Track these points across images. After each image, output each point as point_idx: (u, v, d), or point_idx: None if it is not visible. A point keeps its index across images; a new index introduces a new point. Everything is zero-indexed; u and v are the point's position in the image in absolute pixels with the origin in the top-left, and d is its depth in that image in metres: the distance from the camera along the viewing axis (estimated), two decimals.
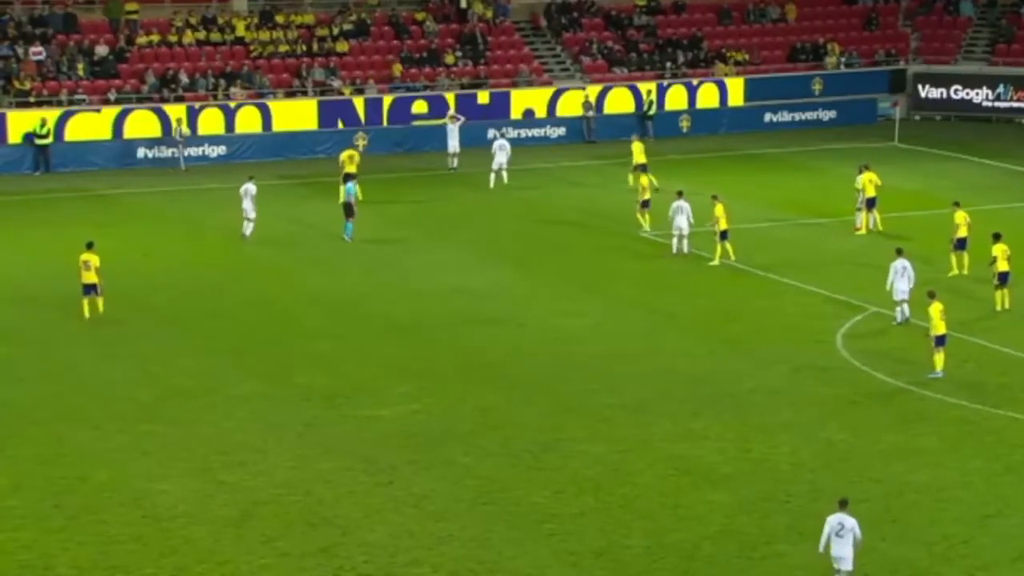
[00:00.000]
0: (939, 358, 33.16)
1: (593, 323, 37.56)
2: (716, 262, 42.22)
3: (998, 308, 37.94)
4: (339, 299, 39.73)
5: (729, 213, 42.52)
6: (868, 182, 45.43)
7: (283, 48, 62.07)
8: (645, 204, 46.02)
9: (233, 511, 26.52)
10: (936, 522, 26.01)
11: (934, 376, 33.07)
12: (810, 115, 65.55)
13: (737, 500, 27.01)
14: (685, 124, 63.51)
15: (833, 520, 23.34)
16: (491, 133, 60.60)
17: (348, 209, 45.45)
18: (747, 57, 66.50)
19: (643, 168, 49.10)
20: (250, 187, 45.12)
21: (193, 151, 58.04)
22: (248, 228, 44.96)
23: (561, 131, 62.45)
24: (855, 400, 32.08)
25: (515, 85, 63.20)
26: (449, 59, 63.50)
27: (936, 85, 66.55)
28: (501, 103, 62.17)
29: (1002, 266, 37.79)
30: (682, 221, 42.94)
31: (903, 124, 61.89)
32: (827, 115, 65.63)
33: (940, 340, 33.13)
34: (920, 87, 66.62)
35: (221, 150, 58.25)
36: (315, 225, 47.73)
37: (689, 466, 28.54)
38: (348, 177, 48.22)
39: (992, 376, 33.48)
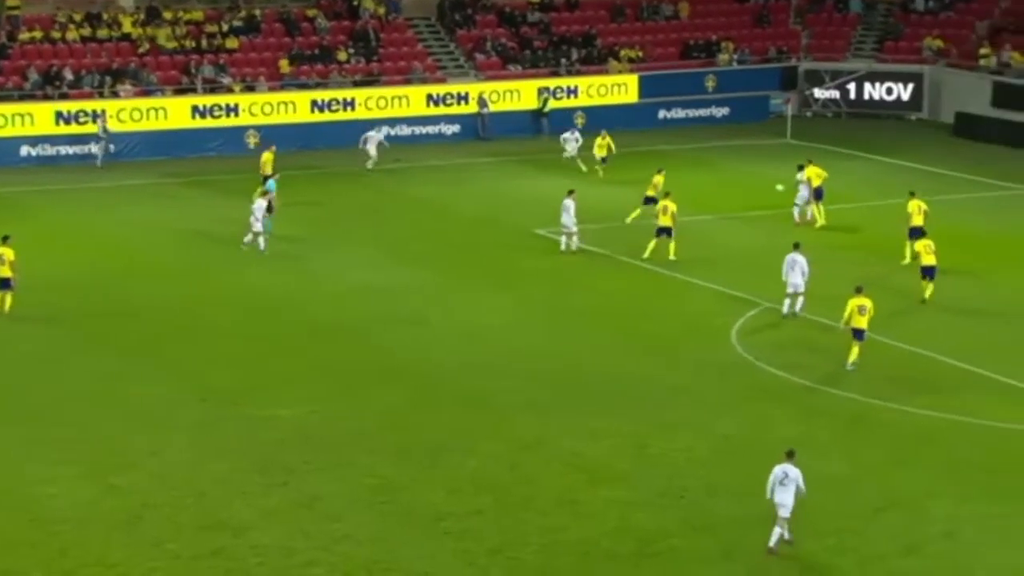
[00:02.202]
0: (854, 350, 33.57)
1: (497, 321, 37.48)
2: (673, 257, 42.34)
3: (926, 298, 38.41)
4: (244, 299, 39.28)
5: (672, 213, 42.44)
6: (815, 176, 45.94)
7: (171, 45, 61.27)
8: (649, 200, 46.19)
9: (123, 514, 26.12)
10: (829, 515, 26.20)
11: (849, 368, 33.45)
12: (703, 112, 65.95)
13: (633, 496, 27.07)
14: (580, 121, 63.57)
15: (778, 470, 24.75)
16: (385, 131, 60.37)
17: (267, 206, 45.15)
18: (640, 54, 66.77)
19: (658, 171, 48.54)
20: (261, 202, 43.86)
21: (78, 149, 57.10)
22: (249, 236, 43.82)
23: (455, 128, 62.29)
24: (750, 395, 32.28)
25: (409, 82, 62.91)
26: (341, 56, 63.09)
27: (827, 82, 67.15)
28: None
29: (926, 260, 38.33)
30: (568, 219, 42.96)
31: (794, 121, 62.44)
32: (720, 112, 66.07)
33: (856, 333, 33.53)
34: (810, 84, 67.24)
35: (100, 148, 57.17)
36: (219, 225, 47.21)
37: (587, 463, 28.54)
38: (267, 177, 48.18)
39: (884, 370, 33.81)
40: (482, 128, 62.29)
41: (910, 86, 66.07)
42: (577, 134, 55.35)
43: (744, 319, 37.37)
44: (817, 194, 46.41)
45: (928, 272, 38.40)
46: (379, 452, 29.00)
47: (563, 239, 43.44)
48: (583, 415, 30.96)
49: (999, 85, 63.04)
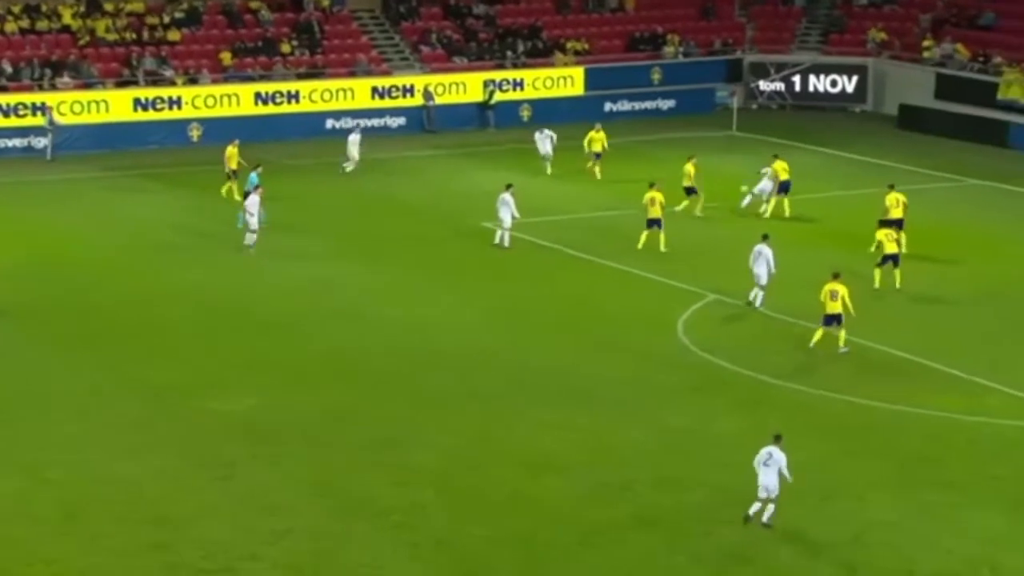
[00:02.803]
0: (817, 334, 34.01)
1: (443, 314, 37.29)
2: (664, 249, 42.31)
3: (877, 287, 38.50)
4: (188, 293, 38.87)
5: (660, 203, 42.32)
6: (782, 170, 46.12)
7: (111, 37, 60.64)
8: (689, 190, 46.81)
9: (58, 509, 25.77)
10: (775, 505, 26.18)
11: (845, 350, 33.96)
12: (649, 104, 65.90)
13: (580, 488, 26.99)
14: (526, 114, 63.47)
15: (763, 452, 25.37)
16: (329, 123, 59.99)
17: (247, 196, 45.16)
18: (586, 47, 66.67)
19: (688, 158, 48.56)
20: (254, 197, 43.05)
21: (18, 142, 56.46)
22: (252, 238, 42.74)
23: (401, 121, 61.99)
24: (697, 386, 32.25)
25: (353, 75, 62.55)
26: (285, 48, 62.64)
27: (771, 74, 67.30)
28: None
29: (889, 248, 38.49)
30: (505, 214, 42.73)
31: (740, 113, 62.54)
32: (666, 104, 66.06)
33: (829, 319, 33.87)
34: (756, 76, 67.37)
35: (48, 141, 56.61)
36: (162, 218, 46.76)
37: (533, 455, 28.43)
38: (234, 173, 48.16)
39: (831, 361, 33.84)
40: (428, 121, 62.03)
41: (854, 78, 66.30)
42: (549, 131, 53.75)
43: (690, 311, 37.34)
44: (784, 187, 46.72)
45: (892, 259, 38.54)
46: (323, 445, 28.77)
47: (498, 233, 43.19)
48: (529, 407, 30.84)
49: (942, 77, 63.34)
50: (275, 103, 60.46)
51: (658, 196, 42.49)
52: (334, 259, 42.17)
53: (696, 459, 28.34)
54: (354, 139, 53.93)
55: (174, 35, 61.74)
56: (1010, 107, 60.06)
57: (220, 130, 58.47)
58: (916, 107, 62.37)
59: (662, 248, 42.19)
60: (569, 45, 66.33)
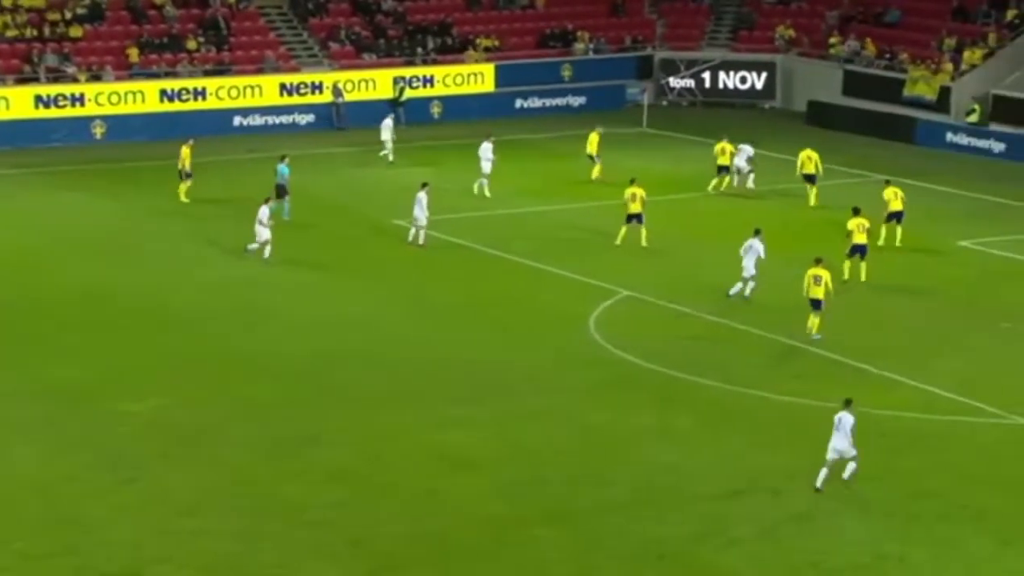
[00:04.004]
0: (814, 321, 34.51)
1: (355, 312, 37.02)
2: (645, 244, 42.31)
3: (846, 278, 38.65)
4: (97, 291, 38.32)
5: (641, 198, 42.23)
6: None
7: (11, 33, 59.61)
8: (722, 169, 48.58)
9: None
10: (688, 501, 26.30)
11: (815, 338, 34.39)
12: (560, 101, 65.87)
13: (494, 485, 26.91)
14: (436, 110, 63.24)
15: (836, 416, 26.68)
16: (237, 120, 59.43)
17: (281, 190, 45.04)
18: (497, 43, 66.55)
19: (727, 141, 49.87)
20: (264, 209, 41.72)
21: None
22: (255, 245, 41.22)
23: (310, 118, 61.52)
24: (610, 383, 32.25)
25: (261, 72, 61.97)
26: (191, 45, 61.92)
27: (682, 71, 67.58)
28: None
29: (858, 238, 38.75)
30: (419, 212, 42.50)
31: (650, 110, 62.71)
32: (577, 101, 66.07)
33: (812, 303, 34.43)
34: (666, 73, 67.62)
35: None
36: (64, 217, 46.05)
37: (447, 452, 28.30)
38: (188, 174, 47.60)
39: (744, 357, 34.00)
40: (337, 118, 61.61)
41: (763, 75, 66.72)
42: (490, 154, 49.73)
43: (602, 308, 37.34)
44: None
45: (860, 250, 38.84)
46: (235, 445, 28.46)
47: (412, 231, 42.95)
48: (443, 405, 30.70)
49: (849, 74, 63.92)
50: (181, 100, 59.74)
51: (639, 192, 42.46)
52: (245, 258, 41.68)
53: (610, 455, 28.33)
54: (387, 124, 54.84)
55: (76, 31, 60.79)
56: (916, 103, 60.75)
57: (124, 128, 57.86)
58: (824, 103, 62.87)
59: (643, 243, 42.22)
60: (480, 42, 66.18)
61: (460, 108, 62.95)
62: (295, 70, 62.88)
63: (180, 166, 48.23)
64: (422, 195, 42.53)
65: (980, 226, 45.43)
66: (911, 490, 26.90)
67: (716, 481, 27.16)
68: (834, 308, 37.42)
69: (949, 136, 58.83)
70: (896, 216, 42.37)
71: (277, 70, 62.26)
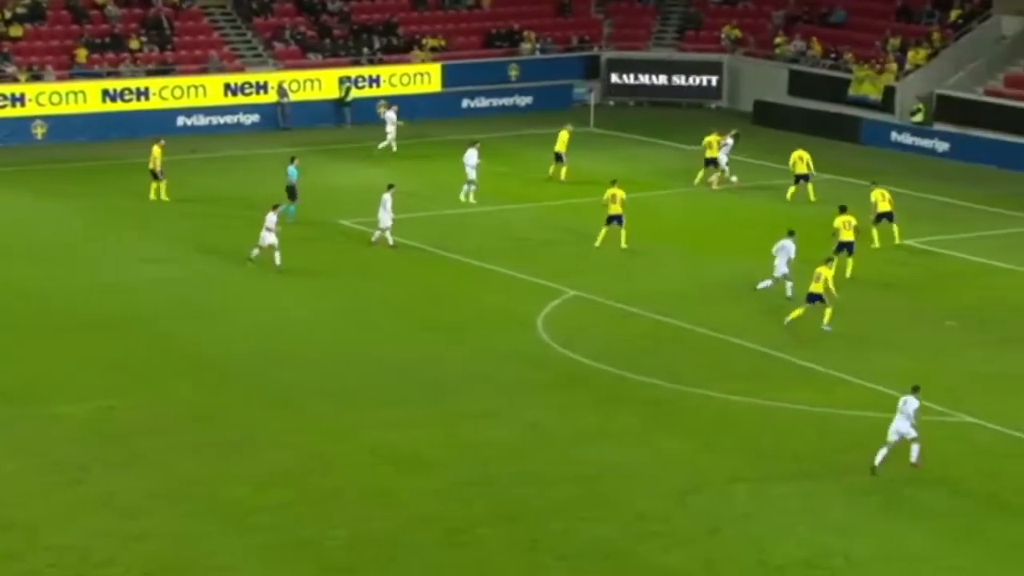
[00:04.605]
0: (827, 312, 35.29)
1: (301, 313, 36.88)
2: (624, 245, 42.25)
3: (847, 275, 38.94)
4: (29, 293, 37.98)
5: (621, 200, 42.21)
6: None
7: None
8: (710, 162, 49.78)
9: None
10: (634, 500, 26.31)
11: (825, 329, 35.17)
12: (507, 101, 65.82)
13: (441, 486, 26.83)
14: (383, 111, 62.93)
15: (900, 400, 27.63)
16: (181, 120, 59.02)
17: (291, 192, 44.77)
18: (443, 43, 66.43)
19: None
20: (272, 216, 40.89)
21: None
22: (258, 253, 40.47)
23: (255, 118, 61.20)
24: (556, 383, 32.23)
25: (205, 71, 61.60)
26: (133, 44, 61.47)
27: (628, 71, 67.73)
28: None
29: (845, 236, 39.04)
30: (383, 213, 42.29)
31: (598, 109, 62.77)
32: (524, 101, 66.03)
33: (811, 297, 35.18)
34: (613, 73, 67.71)
35: None
36: (8, 217, 45.77)
37: (394, 454, 28.21)
38: (158, 174, 47.16)
39: (688, 356, 34.06)
40: (282, 118, 61.33)
41: (710, 75, 66.91)
42: (475, 160, 48.82)
43: (549, 307, 37.32)
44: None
45: (847, 247, 39.09)
46: (179, 447, 28.27)
47: (375, 232, 42.64)
48: (390, 405, 30.61)
49: (795, 74, 64.21)
50: (124, 100, 59.31)
51: (619, 193, 42.41)
52: (183, 258, 41.48)
53: (557, 455, 28.31)
54: (391, 116, 55.28)
55: (16, 31, 60.25)
56: (861, 103, 61.10)
57: (66, 128, 57.43)
58: (770, 103, 63.11)
59: (623, 244, 42.14)
60: (426, 41, 66.04)
61: (407, 108, 62.66)
62: (239, 70, 62.57)
63: (151, 166, 47.88)
64: (387, 197, 42.29)
65: (924, 225, 45.70)
66: (856, 487, 27.01)
67: (662, 480, 27.19)
68: (779, 307, 37.63)
69: (894, 136, 59.20)
70: (886, 216, 42.50)
71: (221, 70, 61.91)
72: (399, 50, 65.62)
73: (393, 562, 24.05)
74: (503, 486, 26.87)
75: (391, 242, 42.32)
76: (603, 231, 42.41)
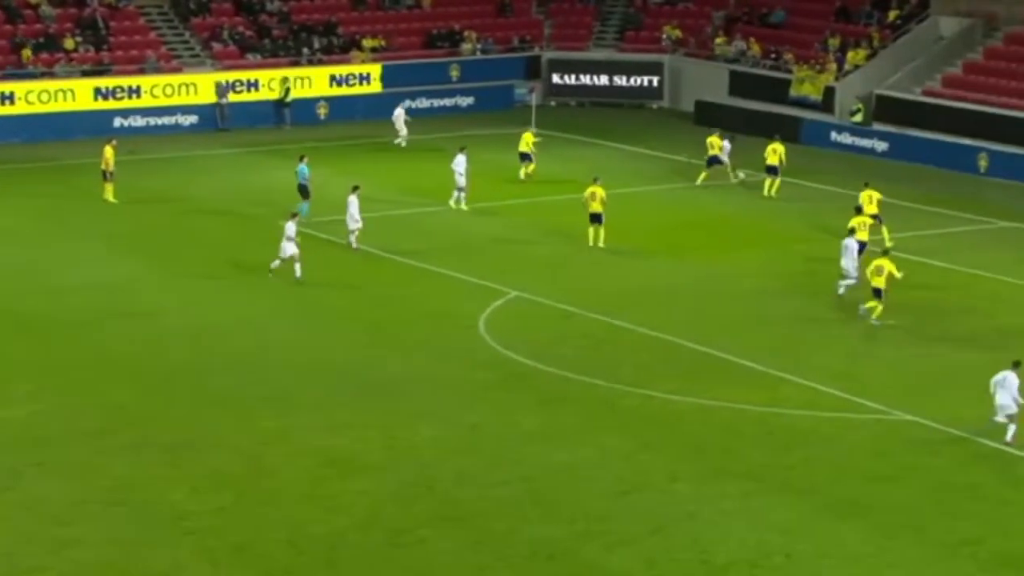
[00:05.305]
0: (876, 308, 35.92)
1: (236, 315, 36.51)
2: (602, 244, 42.17)
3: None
4: None
5: (601, 198, 41.98)
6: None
7: None
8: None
9: None
10: (576, 500, 26.17)
11: (877, 323, 35.84)
12: (448, 101, 65.58)
13: (381, 488, 26.60)
14: (322, 111, 62.68)
15: (999, 375, 28.41)
16: (118, 122, 58.36)
17: (303, 191, 44.51)
18: (383, 43, 66.12)
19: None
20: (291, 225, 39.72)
21: None
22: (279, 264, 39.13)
23: (193, 119, 60.65)
24: (498, 384, 32.07)
25: (142, 72, 60.98)
26: (68, 45, 60.78)
27: (569, 71, 67.66)
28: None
29: (860, 236, 39.14)
30: (351, 215, 41.83)
31: (539, 110, 62.64)
32: (465, 101, 65.84)
33: (873, 292, 36.00)
34: (554, 73, 67.61)
35: None
36: None
37: (333, 456, 27.93)
38: (111, 174, 46.76)
39: (630, 356, 33.95)
40: (221, 119, 60.84)
41: (651, 75, 66.94)
42: (463, 167, 47.41)
43: (491, 308, 37.15)
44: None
45: (861, 247, 39.20)
46: (113, 451, 27.88)
47: (350, 236, 42.10)
48: (329, 408, 30.32)
49: (735, 74, 64.37)
50: (59, 101, 58.62)
51: (599, 191, 42.19)
52: (120, 261, 41.03)
53: (499, 456, 28.14)
54: (399, 114, 56.15)
55: None
56: (802, 103, 61.30)
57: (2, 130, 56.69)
58: (711, 103, 63.17)
59: (600, 244, 41.94)
60: (366, 42, 65.71)
61: (347, 109, 62.46)
62: (177, 70, 61.99)
63: (103, 167, 47.36)
64: (353, 199, 41.84)
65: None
66: (796, 486, 26.99)
67: (604, 480, 27.07)
68: (716, 306, 37.65)
69: (834, 135, 59.43)
70: (874, 218, 42.20)
71: (158, 70, 61.32)
72: (339, 50, 65.25)
73: (333, 565, 23.78)
74: (445, 487, 26.66)
75: (355, 245, 41.83)
76: (590, 230, 42.30)
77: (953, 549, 24.64)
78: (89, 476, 26.74)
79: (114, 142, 48.24)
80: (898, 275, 35.92)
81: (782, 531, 25.10)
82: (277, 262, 38.99)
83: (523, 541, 24.58)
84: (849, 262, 38.08)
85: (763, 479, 27.22)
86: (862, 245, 39.30)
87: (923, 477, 27.55)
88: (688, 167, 52.68)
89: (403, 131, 57.04)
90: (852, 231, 38.68)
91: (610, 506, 25.97)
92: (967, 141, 55.60)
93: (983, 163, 54.63)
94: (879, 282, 35.90)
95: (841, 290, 38.08)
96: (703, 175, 50.90)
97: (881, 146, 57.73)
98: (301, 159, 45.62)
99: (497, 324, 35.96)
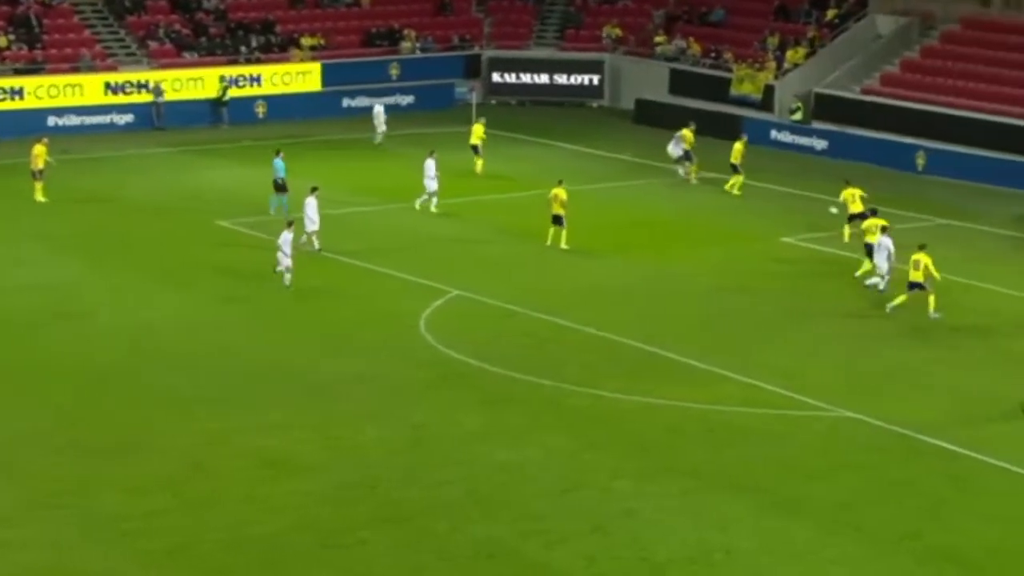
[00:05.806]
0: (930, 300, 36.21)
1: (172, 316, 36.14)
2: (565, 246, 41.98)
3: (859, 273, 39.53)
4: None
5: (562, 200, 41.89)
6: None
7: None
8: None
9: None
10: (519, 499, 26.07)
11: (932, 317, 36.09)
12: (389, 100, 65.26)
13: (321, 489, 26.37)
14: (261, 110, 62.27)
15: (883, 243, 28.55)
16: (52, 121, 57.72)
17: (282, 185, 44.38)
18: (322, 42, 65.78)
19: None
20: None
21: None
22: (288, 276, 38.27)
23: (128, 118, 60.07)
24: (440, 383, 31.90)
25: (77, 70, 60.33)
26: (1, 42, 60.06)
27: (510, 70, 67.58)
28: None
29: (869, 238, 39.26)
30: (311, 215, 41.42)
31: (480, 108, 62.48)
32: (405, 100, 65.61)
33: (912, 285, 36.27)
34: (495, 72, 67.50)
35: None
36: None
37: (271, 457, 27.68)
38: (40, 173, 46.23)
39: (575, 355, 33.86)
40: (157, 117, 60.30)
41: (591, 74, 66.96)
42: (434, 171, 46.70)
43: (433, 307, 36.96)
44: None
45: (868, 249, 39.41)
46: (49, 453, 27.52)
47: (313, 239, 41.67)
48: (267, 409, 30.06)
49: (676, 73, 64.49)
50: None
51: (561, 193, 42.09)
52: (53, 262, 40.54)
53: (440, 455, 27.97)
54: (378, 111, 56.21)
55: None
56: (742, 102, 61.49)
57: None
58: (652, 102, 63.29)
59: (563, 245, 41.80)
60: (304, 40, 65.34)
61: (286, 107, 62.08)
62: (112, 69, 61.39)
63: (33, 166, 46.78)
64: (311, 199, 41.43)
65: (802, 222, 46.02)
66: (737, 483, 26.98)
67: (546, 479, 26.97)
68: (660, 305, 37.64)
69: (773, 134, 59.64)
70: (859, 217, 42.40)
71: (93, 69, 60.71)
72: (278, 48, 64.85)
73: (271, 566, 23.56)
74: (386, 488, 26.47)
75: (316, 246, 41.43)
76: (551, 231, 42.19)
77: (893, 544, 24.71)
78: (27, 478, 26.38)
79: (45, 140, 47.70)
80: (937, 275, 36.06)
81: (722, 528, 25.09)
82: (288, 274, 38.11)
83: (464, 541, 24.45)
84: (882, 260, 38.24)
85: (704, 477, 27.22)
86: (869, 247, 39.44)
87: (863, 474, 27.61)
88: (632, 166, 52.64)
89: (381, 128, 56.75)
90: (884, 229, 38.69)
91: (552, 505, 25.87)
92: (906, 139, 55.96)
93: (921, 161, 54.98)
94: (917, 276, 36.19)
95: (882, 286, 38.28)
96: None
97: (820, 144, 57.99)
98: (277, 153, 45.32)
99: (439, 323, 35.79)
